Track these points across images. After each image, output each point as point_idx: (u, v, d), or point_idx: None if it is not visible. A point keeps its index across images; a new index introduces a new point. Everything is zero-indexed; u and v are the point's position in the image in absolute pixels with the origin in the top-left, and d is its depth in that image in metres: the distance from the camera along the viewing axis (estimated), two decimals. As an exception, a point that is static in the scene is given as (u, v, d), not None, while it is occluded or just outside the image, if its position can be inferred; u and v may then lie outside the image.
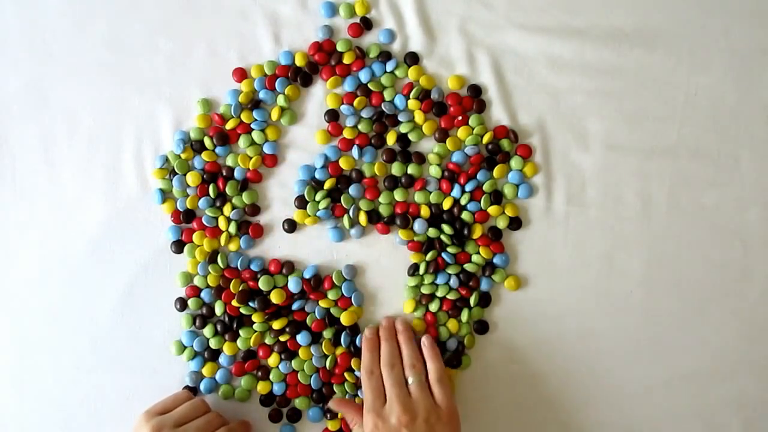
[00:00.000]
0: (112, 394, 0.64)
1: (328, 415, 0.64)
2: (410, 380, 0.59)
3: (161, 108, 0.65)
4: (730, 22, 0.66)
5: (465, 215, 0.64)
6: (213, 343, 0.64)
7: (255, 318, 0.63)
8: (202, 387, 0.64)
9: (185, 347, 0.64)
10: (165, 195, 0.64)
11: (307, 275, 0.64)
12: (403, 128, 0.64)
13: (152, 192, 0.64)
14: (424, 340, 0.62)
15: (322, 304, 0.64)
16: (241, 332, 0.64)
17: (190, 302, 0.64)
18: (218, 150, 0.64)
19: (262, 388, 0.64)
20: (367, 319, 0.65)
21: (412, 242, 0.64)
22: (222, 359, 0.64)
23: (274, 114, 0.64)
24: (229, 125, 0.64)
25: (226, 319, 0.64)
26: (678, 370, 0.65)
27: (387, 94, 0.65)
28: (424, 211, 0.64)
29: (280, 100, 0.64)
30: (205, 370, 0.64)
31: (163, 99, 0.65)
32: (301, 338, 0.63)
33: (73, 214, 0.65)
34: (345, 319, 0.64)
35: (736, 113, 0.66)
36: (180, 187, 0.64)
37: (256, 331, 0.63)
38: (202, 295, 0.64)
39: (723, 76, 0.66)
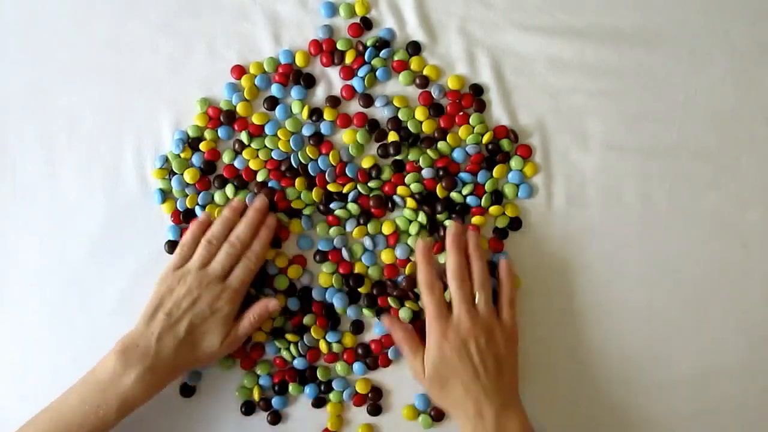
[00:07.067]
0: (112, 394, 0.64)
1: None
2: (478, 297, 0.60)
3: (161, 108, 0.65)
4: (730, 22, 0.66)
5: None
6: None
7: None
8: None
9: (185, 347, 0.64)
10: (165, 195, 0.64)
11: None
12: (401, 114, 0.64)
13: (152, 192, 0.64)
14: (502, 263, 0.62)
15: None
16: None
17: (190, 302, 0.64)
18: (220, 132, 0.64)
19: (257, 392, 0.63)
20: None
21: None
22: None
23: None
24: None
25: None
26: (678, 370, 0.65)
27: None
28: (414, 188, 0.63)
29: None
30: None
31: (163, 99, 0.65)
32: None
33: (73, 214, 0.65)
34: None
35: (736, 113, 0.66)
36: (179, 187, 0.64)
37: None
38: (202, 295, 0.64)
39: (723, 76, 0.66)
